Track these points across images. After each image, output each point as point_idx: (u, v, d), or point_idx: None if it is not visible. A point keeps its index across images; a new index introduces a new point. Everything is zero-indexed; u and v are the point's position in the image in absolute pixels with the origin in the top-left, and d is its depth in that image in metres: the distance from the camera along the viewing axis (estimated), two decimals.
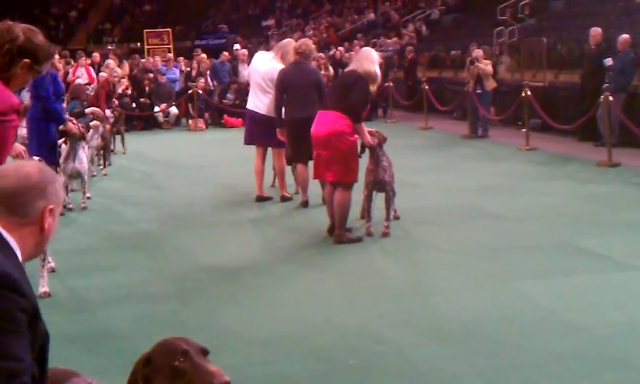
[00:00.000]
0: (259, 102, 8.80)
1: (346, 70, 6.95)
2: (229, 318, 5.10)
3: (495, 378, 4.03)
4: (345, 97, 6.75)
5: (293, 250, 6.85)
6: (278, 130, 8.48)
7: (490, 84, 15.06)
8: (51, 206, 2.32)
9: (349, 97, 6.72)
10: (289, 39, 9.67)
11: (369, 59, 6.90)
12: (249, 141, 9.16)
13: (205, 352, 2.04)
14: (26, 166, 2.37)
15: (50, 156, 7.54)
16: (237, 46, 21.88)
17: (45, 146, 7.76)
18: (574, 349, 4.35)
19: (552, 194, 9.00)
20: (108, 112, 13.29)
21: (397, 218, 7.65)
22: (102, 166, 11.62)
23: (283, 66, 8.54)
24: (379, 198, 7.23)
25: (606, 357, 4.23)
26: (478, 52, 15.46)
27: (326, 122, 6.80)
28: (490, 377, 4.04)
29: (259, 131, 8.87)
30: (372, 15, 31.70)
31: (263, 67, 8.78)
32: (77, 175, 8.71)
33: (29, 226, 2.29)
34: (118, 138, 13.93)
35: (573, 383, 3.94)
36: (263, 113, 8.75)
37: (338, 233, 6.85)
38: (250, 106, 8.99)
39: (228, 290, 5.80)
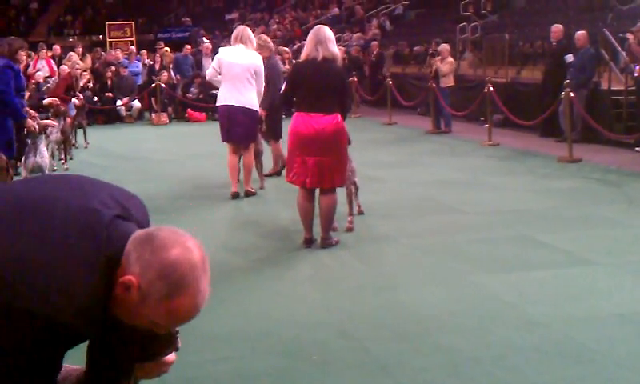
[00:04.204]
0: (240, 95, 8.59)
1: (319, 58, 6.36)
2: None
3: (456, 371, 4.06)
4: (333, 93, 6.43)
5: (255, 246, 6.82)
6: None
7: (445, 81, 15.09)
8: (133, 279, 1.79)
9: (339, 93, 6.46)
10: (242, 26, 9.52)
11: (332, 40, 6.52)
12: (227, 138, 8.84)
13: None
14: (192, 249, 1.89)
15: (8, 151, 7.43)
16: (206, 43, 21.00)
17: (1, 141, 7.66)
18: (533, 342, 4.40)
19: (513, 188, 9.09)
20: (75, 100, 13.17)
21: (361, 213, 7.66)
22: (62, 161, 11.47)
23: (260, 56, 8.77)
24: (340, 194, 7.20)
25: (565, 350, 4.28)
26: (444, 46, 15.50)
27: (324, 122, 6.38)
28: (451, 370, 4.07)
29: (240, 127, 8.66)
30: (336, 10, 31.75)
31: (245, 60, 8.60)
32: (38, 170, 8.64)
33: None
34: (80, 131, 13.77)
35: (533, 377, 3.98)
36: (246, 106, 8.60)
37: (326, 236, 6.62)
38: (227, 101, 8.66)
39: None
